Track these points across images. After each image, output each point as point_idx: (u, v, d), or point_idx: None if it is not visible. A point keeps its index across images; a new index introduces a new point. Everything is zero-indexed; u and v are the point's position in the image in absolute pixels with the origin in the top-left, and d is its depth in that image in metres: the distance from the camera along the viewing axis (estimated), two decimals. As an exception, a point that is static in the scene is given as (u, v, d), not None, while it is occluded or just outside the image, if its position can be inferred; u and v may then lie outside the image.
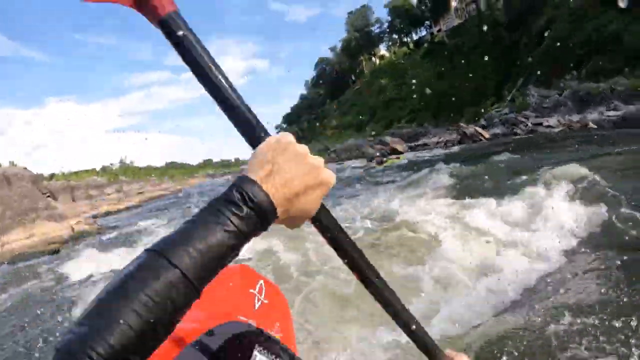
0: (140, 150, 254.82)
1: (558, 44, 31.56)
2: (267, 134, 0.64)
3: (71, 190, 43.25)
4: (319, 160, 0.61)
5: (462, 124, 31.51)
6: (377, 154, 31.34)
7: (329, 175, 0.61)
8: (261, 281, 1.29)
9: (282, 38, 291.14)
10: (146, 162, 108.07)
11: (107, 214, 32.05)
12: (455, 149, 27.88)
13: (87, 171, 60.79)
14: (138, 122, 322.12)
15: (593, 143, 12.99)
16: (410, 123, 46.27)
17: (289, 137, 0.62)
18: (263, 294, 1.26)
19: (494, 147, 19.21)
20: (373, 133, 50.51)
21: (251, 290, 1.25)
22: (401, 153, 31.59)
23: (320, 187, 0.60)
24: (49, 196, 21.72)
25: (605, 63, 27.54)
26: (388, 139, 36.97)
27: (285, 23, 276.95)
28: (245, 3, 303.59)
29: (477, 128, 29.98)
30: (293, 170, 0.58)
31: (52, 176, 51.73)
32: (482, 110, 35.11)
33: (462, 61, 46.81)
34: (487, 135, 28.73)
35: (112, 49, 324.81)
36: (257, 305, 1.22)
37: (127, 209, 35.73)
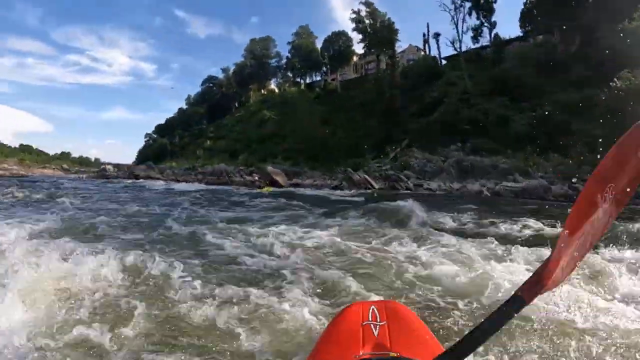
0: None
1: (447, 117, 32.26)
2: None
3: None
4: None
5: (349, 169, 29.80)
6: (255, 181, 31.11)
7: None
8: (372, 307, 1.51)
9: (177, 48, 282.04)
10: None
11: None
12: (345, 192, 25.33)
13: None
14: (2, 92, 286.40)
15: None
16: (285, 160, 44.30)
17: None
18: (378, 318, 1.45)
19: (389, 196, 18.83)
20: (245, 163, 48.46)
21: (364, 323, 1.43)
22: (281, 186, 29.96)
23: None
24: None
25: (489, 142, 28.03)
26: (269, 168, 34.60)
27: (185, 34, 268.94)
28: (148, 1, 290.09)
29: (366, 176, 28.34)
30: None
31: None
32: (362, 163, 34.46)
33: (350, 113, 47.00)
34: (375, 185, 27.04)
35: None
36: (376, 332, 1.39)
37: None
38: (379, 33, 53.37)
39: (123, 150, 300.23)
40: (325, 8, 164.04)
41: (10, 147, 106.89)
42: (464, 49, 45.95)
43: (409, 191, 24.07)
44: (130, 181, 43.56)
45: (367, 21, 55.98)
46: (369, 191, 24.72)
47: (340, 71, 67.12)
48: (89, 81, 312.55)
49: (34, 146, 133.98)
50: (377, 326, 1.40)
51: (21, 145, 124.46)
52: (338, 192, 24.66)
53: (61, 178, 55.61)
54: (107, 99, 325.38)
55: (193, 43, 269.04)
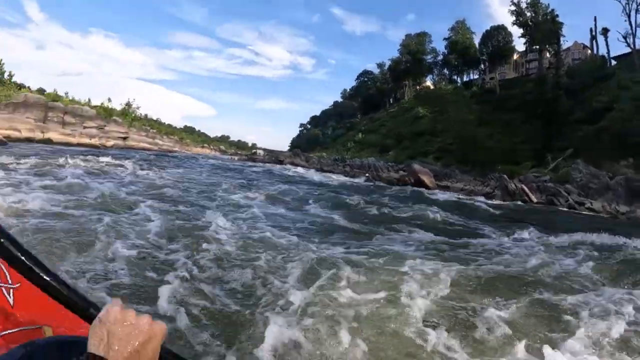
0: (164, 106, 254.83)
1: (617, 127, 29.38)
2: (97, 309, 0.87)
3: (45, 109, 42.55)
4: (145, 320, 0.77)
5: (504, 176, 28.09)
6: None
7: (158, 329, 0.78)
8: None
9: (334, 44, 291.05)
10: (168, 121, 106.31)
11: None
12: (498, 202, 22.53)
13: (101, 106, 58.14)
14: (171, 79, 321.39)
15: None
16: (436, 160, 43.52)
17: (115, 309, 0.77)
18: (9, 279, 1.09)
19: (548, 212, 16.97)
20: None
21: None
22: (428, 187, 27.81)
23: (151, 340, 0.76)
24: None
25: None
26: (416, 166, 31.79)
27: (342, 31, 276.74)
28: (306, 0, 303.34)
29: (524, 186, 25.61)
30: (124, 335, 0.73)
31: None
32: (517, 170, 32.68)
33: (508, 115, 44.65)
34: (534, 198, 24.03)
35: (168, 1, 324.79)
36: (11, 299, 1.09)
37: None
38: (542, 26, 50.22)
39: (278, 137, 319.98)
40: (481, 3, 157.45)
41: (175, 127, 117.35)
42: (638, 45, 41.54)
43: (569, 209, 21.46)
44: (269, 165, 45.89)
45: (528, 14, 52.97)
46: (523, 204, 22.48)
47: (498, 70, 64.03)
48: (250, 73, 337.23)
49: (197, 128, 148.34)
50: (11, 290, 1.08)
51: (185, 126, 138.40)
52: (490, 201, 22.54)
53: (211, 158, 60.41)
54: (266, 90, 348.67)
55: (349, 39, 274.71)
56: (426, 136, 52.30)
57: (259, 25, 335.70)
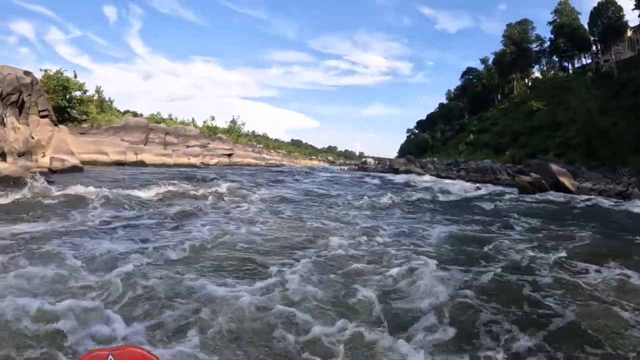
0: (269, 122, 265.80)
1: None
2: None
3: (146, 131, 43.21)
4: None
5: None
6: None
7: None
8: (109, 355, 1.37)
9: (429, 45, 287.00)
10: (274, 136, 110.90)
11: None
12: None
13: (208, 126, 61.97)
14: (273, 96, 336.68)
15: None
16: (558, 157, 41.20)
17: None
18: None
19: None
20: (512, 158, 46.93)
21: None
22: (570, 191, 24.04)
23: None
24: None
25: None
26: (554, 167, 27.32)
27: (435, 31, 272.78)
28: (395, 3, 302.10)
29: None
30: None
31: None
32: None
33: (633, 99, 41.34)
34: None
35: (260, 22, 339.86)
36: None
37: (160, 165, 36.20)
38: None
39: (384, 144, 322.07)
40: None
41: (282, 141, 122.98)
42: None
43: None
44: (389, 175, 43.78)
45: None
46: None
47: (613, 50, 59.43)
48: (349, 82, 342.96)
49: (303, 140, 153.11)
50: None
51: (292, 140, 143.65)
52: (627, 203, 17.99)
53: (320, 170, 59.84)
54: (367, 97, 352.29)
55: (443, 38, 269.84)
56: (544, 131, 49.37)
57: (351, 35, 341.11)
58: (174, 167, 35.65)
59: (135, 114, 54.16)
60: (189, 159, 42.55)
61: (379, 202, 15.10)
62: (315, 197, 16.20)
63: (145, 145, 40.03)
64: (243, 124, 73.16)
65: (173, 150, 42.69)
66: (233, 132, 66.90)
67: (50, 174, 18.42)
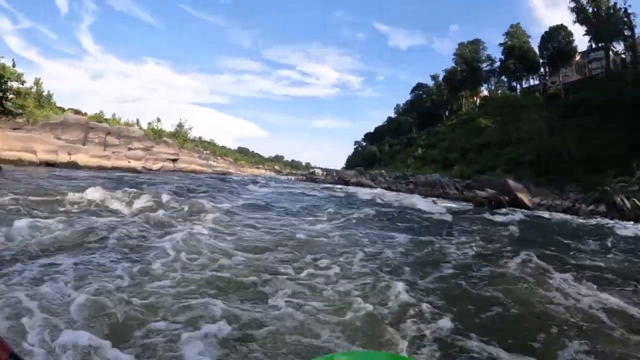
0: (217, 129, 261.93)
1: None
2: None
3: (85, 130, 39.91)
4: None
5: (607, 188, 25.48)
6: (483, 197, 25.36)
7: None
8: None
9: (381, 60, 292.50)
10: (222, 143, 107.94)
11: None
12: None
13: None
14: (223, 103, 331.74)
15: None
16: (506, 173, 40.80)
17: None
18: None
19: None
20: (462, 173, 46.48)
21: None
22: (528, 208, 23.61)
23: None
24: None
25: None
26: (512, 183, 26.87)
27: (387, 47, 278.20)
28: (350, 17, 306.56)
29: (637, 200, 21.55)
30: None
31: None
32: (600, 181, 29.95)
33: (580, 119, 41.96)
34: None
35: (217, 29, 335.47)
36: None
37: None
38: (610, 18, 47.59)
39: (332, 155, 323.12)
40: (525, 7, 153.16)
41: (230, 149, 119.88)
42: None
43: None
44: (339, 187, 42.48)
45: (589, 9, 50.45)
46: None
47: (561, 72, 60.90)
48: (299, 93, 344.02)
49: (250, 149, 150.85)
50: None
51: (239, 147, 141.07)
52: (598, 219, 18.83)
53: (268, 178, 59.20)
54: (317, 109, 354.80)
55: (395, 55, 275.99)
56: (492, 148, 49.60)
57: (305, 47, 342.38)
58: (111, 170, 32.84)
59: (78, 112, 48.67)
60: (130, 162, 39.62)
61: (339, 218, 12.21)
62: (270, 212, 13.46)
63: (83, 145, 37.30)
64: (190, 129, 68.72)
65: (113, 152, 39.78)
66: (179, 136, 62.73)
67: None
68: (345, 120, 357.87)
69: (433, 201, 23.48)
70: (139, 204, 10.59)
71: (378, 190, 37.34)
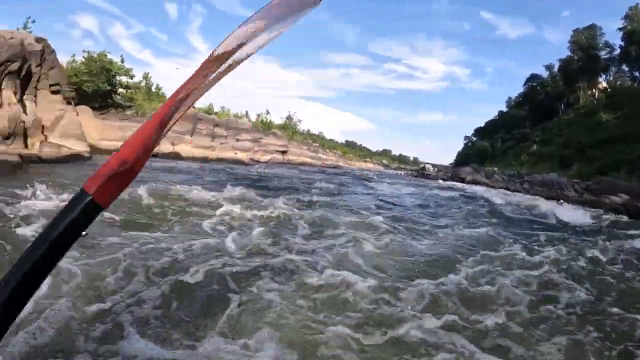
0: (324, 123, 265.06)
1: None
2: None
3: (193, 121, 38.54)
4: None
5: None
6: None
7: None
8: None
9: (488, 51, 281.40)
10: (329, 136, 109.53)
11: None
12: None
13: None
14: (329, 97, 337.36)
15: None
16: (630, 175, 38.79)
17: None
18: None
19: None
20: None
21: None
22: None
23: None
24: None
25: None
26: None
27: (494, 37, 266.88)
28: (454, 7, 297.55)
29: None
30: None
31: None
32: None
33: None
34: None
35: (320, 25, 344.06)
36: None
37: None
38: None
39: (439, 151, 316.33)
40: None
41: (337, 142, 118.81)
42: None
43: None
44: (458, 185, 40.38)
45: None
46: None
47: None
48: (406, 87, 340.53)
49: (358, 143, 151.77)
50: None
51: (346, 141, 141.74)
52: None
53: (378, 173, 57.87)
54: (423, 103, 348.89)
55: (503, 45, 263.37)
56: (616, 144, 46.50)
57: (411, 40, 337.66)
58: (216, 162, 32.54)
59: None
60: (236, 153, 39.23)
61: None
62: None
63: (191, 135, 37.04)
64: (299, 121, 68.49)
65: (221, 144, 39.80)
66: (288, 128, 62.25)
67: (37, 162, 15.19)
68: (452, 114, 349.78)
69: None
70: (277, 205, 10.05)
71: (496, 191, 34.77)
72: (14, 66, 15.24)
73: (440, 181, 47.91)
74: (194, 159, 31.74)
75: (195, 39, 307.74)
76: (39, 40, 18.16)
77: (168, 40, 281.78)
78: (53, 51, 19.32)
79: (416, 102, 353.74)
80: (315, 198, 13.12)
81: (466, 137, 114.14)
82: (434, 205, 16.24)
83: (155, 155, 26.83)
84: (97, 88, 31.89)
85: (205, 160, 32.80)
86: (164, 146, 30.57)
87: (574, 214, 16.99)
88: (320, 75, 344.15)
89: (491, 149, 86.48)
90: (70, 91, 21.73)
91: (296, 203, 11.35)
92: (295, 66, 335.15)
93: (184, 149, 33.26)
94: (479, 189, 36.09)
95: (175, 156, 30.71)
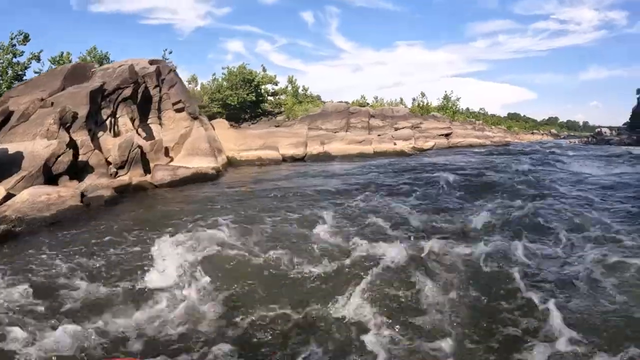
0: (481, 98, 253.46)
1: None
2: None
3: (347, 116, 36.96)
4: None
5: None
6: None
7: None
8: None
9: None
10: (489, 111, 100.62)
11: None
12: None
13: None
14: (482, 70, 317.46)
15: None
16: None
17: None
18: None
19: None
20: None
21: None
22: None
23: None
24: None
25: None
26: None
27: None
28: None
29: None
30: None
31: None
32: None
33: None
34: None
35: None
36: None
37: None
38: None
39: (609, 111, 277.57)
40: None
41: (500, 116, 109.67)
42: None
43: None
44: None
45: None
46: None
47: None
48: (560, 44, 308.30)
49: (521, 114, 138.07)
50: None
51: (509, 114, 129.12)
52: None
53: (554, 144, 52.13)
54: (583, 59, 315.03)
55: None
56: None
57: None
58: (374, 157, 27.74)
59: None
60: (395, 144, 34.42)
61: None
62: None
63: (346, 131, 34.66)
64: (458, 99, 59.92)
65: (379, 135, 35.85)
66: (448, 109, 56.07)
67: (151, 189, 13.18)
68: (617, 67, 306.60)
69: None
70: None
71: None
72: (127, 92, 15.25)
73: (631, 147, 37.12)
74: (346, 156, 27.60)
75: (338, 39, 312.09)
76: (154, 62, 18.55)
77: (313, 46, 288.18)
78: (171, 71, 19.14)
79: (574, 60, 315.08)
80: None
81: (638, 90, 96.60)
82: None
83: (301, 159, 24.91)
84: (243, 100, 32.48)
85: (361, 155, 28.30)
86: (312, 147, 27.21)
87: None
88: (468, 49, 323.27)
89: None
90: (200, 107, 22.09)
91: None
92: (441, 46, 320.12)
93: (336, 147, 29.08)
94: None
95: (326, 157, 26.83)
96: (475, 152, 32.85)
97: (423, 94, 54.23)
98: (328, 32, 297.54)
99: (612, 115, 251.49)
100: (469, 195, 10.10)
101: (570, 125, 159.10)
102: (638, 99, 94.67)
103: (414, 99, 53.42)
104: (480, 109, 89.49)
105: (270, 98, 37.70)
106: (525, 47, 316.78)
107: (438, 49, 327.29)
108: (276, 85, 38.76)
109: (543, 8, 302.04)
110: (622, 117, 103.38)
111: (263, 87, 36.20)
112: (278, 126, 32.08)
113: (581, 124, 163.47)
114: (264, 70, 36.78)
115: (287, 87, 42.57)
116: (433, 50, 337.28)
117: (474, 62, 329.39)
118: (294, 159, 24.43)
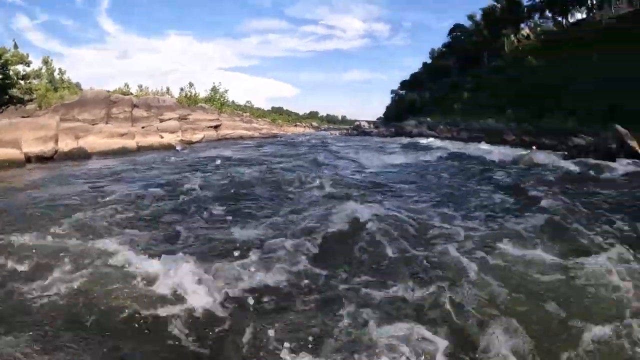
0: (248, 92, 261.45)
1: None
2: None
3: (108, 105, 34.26)
4: None
5: None
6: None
7: None
8: None
9: (407, 5, 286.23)
10: (255, 105, 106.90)
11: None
12: None
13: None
14: (251, 65, 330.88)
15: None
16: (566, 118, 39.00)
17: None
18: None
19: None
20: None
21: None
22: None
23: None
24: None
25: None
26: (618, 127, 19.18)
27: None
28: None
29: None
30: None
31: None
32: None
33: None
34: None
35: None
36: None
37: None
38: None
39: (367, 107, 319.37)
40: None
41: (263, 109, 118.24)
42: None
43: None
44: (405, 140, 38.35)
45: None
46: None
47: (613, 3, 57.22)
48: (327, 47, 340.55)
49: (284, 107, 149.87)
50: None
51: (273, 107, 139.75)
52: None
53: (317, 136, 56.46)
54: (346, 62, 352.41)
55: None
56: (549, 88, 45.94)
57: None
58: (138, 153, 23.53)
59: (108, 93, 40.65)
60: (162, 137, 30.07)
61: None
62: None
63: (106, 123, 30.33)
64: (226, 91, 59.51)
65: (143, 127, 31.25)
66: (215, 100, 55.43)
67: None
68: (376, 71, 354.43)
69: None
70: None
71: (448, 143, 34.17)
72: None
73: (388, 138, 47.53)
74: (106, 153, 22.06)
75: (105, 21, 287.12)
76: None
77: (78, 26, 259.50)
78: None
79: (338, 62, 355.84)
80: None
81: (393, 91, 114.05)
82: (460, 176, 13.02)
83: (50, 158, 17.91)
84: (-17, 82, 24.25)
85: (123, 151, 23.24)
86: (63, 142, 20.14)
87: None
88: (240, 44, 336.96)
89: (420, 100, 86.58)
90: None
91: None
92: (214, 38, 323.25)
93: (93, 142, 22.67)
94: (426, 141, 35.97)
95: (81, 154, 20.22)
96: (248, 145, 32.56)
97: (191, 84, 51.68)
98: (97, 11, 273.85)
99: (370, 110, 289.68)
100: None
101: (330, 119, 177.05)
102: (392, 98, 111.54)
103: (181, 89, 51.16)
104: (247, 101, 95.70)
105: (21, 82, 28.42)
106: (293, 46, 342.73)
107: (210, 41, 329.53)
108: (28, 66, 28.84)
109: (314, 13, 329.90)
110: (378, 112, 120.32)
111: (12, 67, 26.96)
112: (27, 117, 24.62)
113: (340, 117, 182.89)
114: (16, 47, 27.55)
115: (41, 69, 34.71)
116: (204, 42, 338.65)
117: (244, 57, 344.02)
118: (41, 158, 18.05)
